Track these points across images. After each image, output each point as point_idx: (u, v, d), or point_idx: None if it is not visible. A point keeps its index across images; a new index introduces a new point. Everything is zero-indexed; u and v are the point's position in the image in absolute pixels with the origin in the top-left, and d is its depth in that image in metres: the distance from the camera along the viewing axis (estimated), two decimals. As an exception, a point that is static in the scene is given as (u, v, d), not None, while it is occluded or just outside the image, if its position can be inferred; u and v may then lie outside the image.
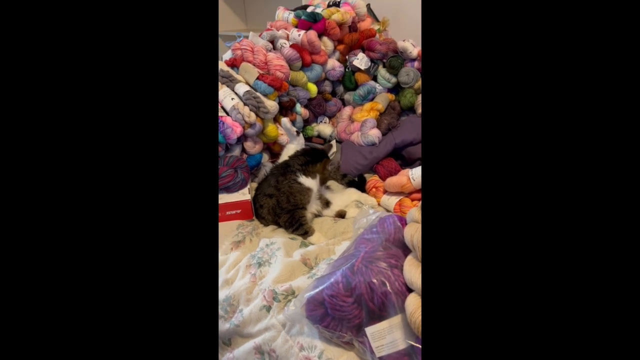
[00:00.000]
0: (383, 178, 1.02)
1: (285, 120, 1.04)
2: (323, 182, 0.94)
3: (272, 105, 0.99)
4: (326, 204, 0.94)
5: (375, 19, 1.64)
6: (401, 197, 0.92)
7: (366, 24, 1.26)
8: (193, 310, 0.36)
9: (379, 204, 0.95)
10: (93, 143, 0.34)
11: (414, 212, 0.59)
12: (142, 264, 0.35)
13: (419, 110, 1.14)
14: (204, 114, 0.38)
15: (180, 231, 0.36)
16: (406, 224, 0.60)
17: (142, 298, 0.34)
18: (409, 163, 1.09)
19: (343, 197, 0.97)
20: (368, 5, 1.65)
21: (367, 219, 0.70)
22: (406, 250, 0.58)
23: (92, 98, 0.34)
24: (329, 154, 1.15)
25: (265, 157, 1.09)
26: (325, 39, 1.18)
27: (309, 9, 1.22)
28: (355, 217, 0.74)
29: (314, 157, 0.94)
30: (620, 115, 0.32)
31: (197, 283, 0.36)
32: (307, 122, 1.24)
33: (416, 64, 1.18)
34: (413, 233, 0.54)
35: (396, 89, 1.25)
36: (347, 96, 1.27)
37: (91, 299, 0.33)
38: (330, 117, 1.29)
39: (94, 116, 0.34)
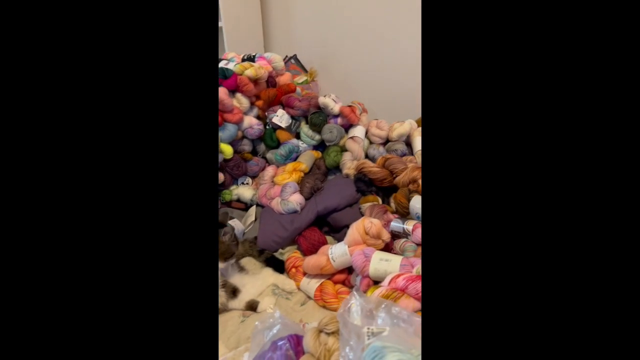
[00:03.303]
0: (305, 252, 0.89)
1: None
2: (223, 257, 0.78)
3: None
4: (233, 292, 0.78)
5: (303, 70, 1.59)
6: (322, 279, 0.79)
7: (285, 78, 1.18)
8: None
9: (298, 288, 0.81)
10: (95, 148, 0.35)
11: (310, 338, 0.46)
12: (143, 272, 0.35)
13: (345, 170, 1.05)
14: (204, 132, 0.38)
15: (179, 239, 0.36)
16: (303, 353, 0.47)
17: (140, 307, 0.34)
18: (335, 230, 0.97)
19: (257, 282, 0.82)
20: (294, 56, 1.60)
21: (264, 334, 0.55)
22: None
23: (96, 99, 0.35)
24: (247, 224, 1.01)
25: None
26: (239, 95, 1.07)
27: (222, 63, 1.12)
28: (255, 326, 0.59)
29: None
30: (619, 116, 0.32)
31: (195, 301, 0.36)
32: (224, 186, 1.10)
33: (339, 120, 1.10)
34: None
35: (323, 146, 1.16)
36: (270, 155, 1.16)
37: (90, 300, 0.33)
38: (253, 178, 1.16)
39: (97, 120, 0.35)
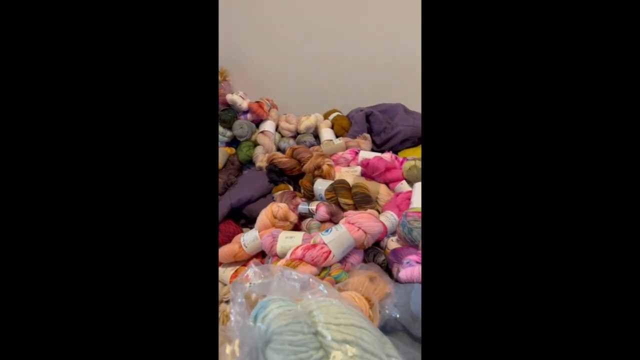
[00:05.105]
0: (222, 244, 0.91)
1: None
2: None
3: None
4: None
5: (214, 70, 1.59)
6: (237, 266, 0.82)
7: (192, 77, 1.18)
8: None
9: (215, 279, 0.83)
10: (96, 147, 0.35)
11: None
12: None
13: (258, 163, 1.09)
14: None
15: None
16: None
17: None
18: (252, 221, 1.01)
19: (172, 278, 0.82)
20: (204, 56, 1.59)
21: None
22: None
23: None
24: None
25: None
26: (142, 95, 1.05)
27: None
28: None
29: None
30: (620, 115, 0.31)
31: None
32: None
33: (249, 116, 1.15)
34: None
35: (236, 142, 1.19)
36: (181, 154, 1.15)
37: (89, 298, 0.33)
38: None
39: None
